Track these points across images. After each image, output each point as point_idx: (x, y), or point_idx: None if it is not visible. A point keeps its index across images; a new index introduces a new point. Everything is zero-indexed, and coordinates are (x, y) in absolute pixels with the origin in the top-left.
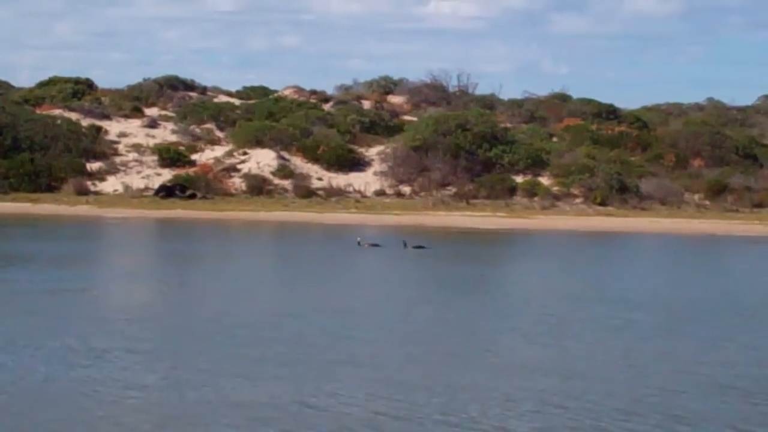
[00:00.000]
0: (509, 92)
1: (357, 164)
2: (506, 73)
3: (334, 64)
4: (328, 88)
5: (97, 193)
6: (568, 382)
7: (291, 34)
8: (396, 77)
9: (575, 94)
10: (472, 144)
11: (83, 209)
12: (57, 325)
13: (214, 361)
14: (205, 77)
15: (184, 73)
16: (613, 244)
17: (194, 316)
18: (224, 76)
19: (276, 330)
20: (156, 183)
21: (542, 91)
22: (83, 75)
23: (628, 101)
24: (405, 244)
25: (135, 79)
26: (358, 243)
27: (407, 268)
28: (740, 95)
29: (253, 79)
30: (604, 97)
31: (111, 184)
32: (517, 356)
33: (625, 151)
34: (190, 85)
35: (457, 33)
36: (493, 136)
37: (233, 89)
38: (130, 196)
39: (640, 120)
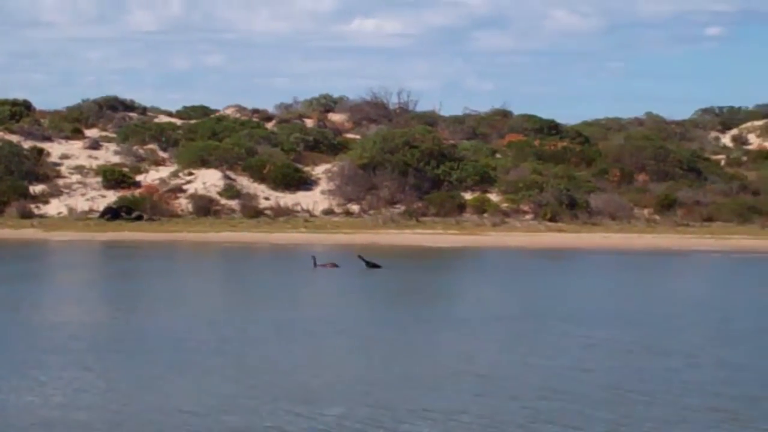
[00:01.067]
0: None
1: (304, 183)
2: (431, 90)
3: (258, 83)
4: (250, 105)
5: (41, 216)
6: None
7: (214, 53)
8: (318, 94)
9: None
10: (419, 161)
11: (29, 233)
12: None
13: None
14: (127, 97)
15: (107, 93)
16: (570, 260)
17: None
18: (147, 95)
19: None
20: (101, 205)
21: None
22: (7, 96)
23: (554, 116)
24: (367, 264)
25: (57, 99)
26: (314, 263)
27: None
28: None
29: (177, 99)
30: (528, 112)
31: (55, 207)
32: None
33: (569, 167)
34: (129, 106)
35: (381, 51)
36: (441, 153)
37: (171, 109)
38: (76, 218)
39: (581, 135)
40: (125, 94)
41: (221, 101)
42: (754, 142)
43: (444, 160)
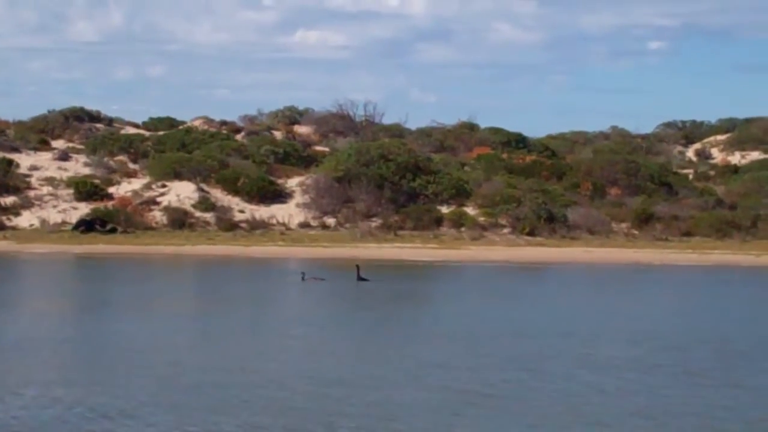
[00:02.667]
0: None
1: (278, 196)
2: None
3: (201, 94)
4: (189, 116)
5: (13, 228)
6: None
7: (156, 64)
8: (282, 106)
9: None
10: (395, 174)
11: (2, 245)
12: None
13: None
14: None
15: (50, 105)
16: (558, 275)
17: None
18: (89, 106)
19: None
20: (73, 217)
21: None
22: None
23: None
24: (358, 275)
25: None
26: (303, 278)
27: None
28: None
29: (118, 110)
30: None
31: (26, 219)
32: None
33: (541, 180)
34: (95, 117)
35: (325, 62)
36: (416, 166)
37: (137, 120)
38: (48, 230)
39: (548, 149)
40: (67, 104)
41: (163, 112)
42: (718, 156)
43: (419, 173)
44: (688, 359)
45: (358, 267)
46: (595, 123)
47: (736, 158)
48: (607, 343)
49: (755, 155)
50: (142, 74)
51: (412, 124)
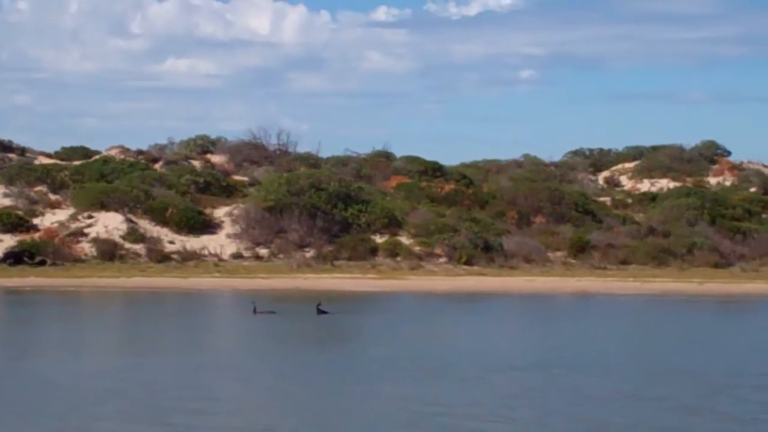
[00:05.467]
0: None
1: (208, 226)
2: (244, 131)
3: (69, 123)
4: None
5: None
6: None
7: (23, 92)
8: (195, 135)
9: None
10: (327, 203)
11: None
12: None
13: None
14: None
15: None
16: (511, 305)
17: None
18: None
19: None
20: None
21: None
22: None
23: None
24: (318, 308)
25: None
26: (254, 310)
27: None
28: (482, 152)
29: None
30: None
31: None
32: None
33: (463, 209)
34: (8, 146)
35: (194, 91)
36: (347, 195)
37: (49, 150)
38: None
39: (465, 177)
40: None
41: (31, 141)
42: (627, 183)
43: (351, 202)
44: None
45: (319, 304)
46: (469, 151)
47: (645, 186)
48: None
49: (664, 183)
50: (8, 102)
51: (322, 153)
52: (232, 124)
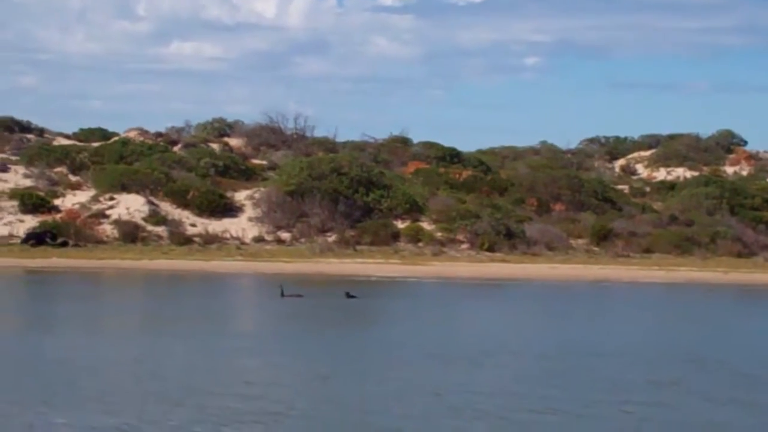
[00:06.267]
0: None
1: (229, 210)
2: (251, 114)
3: (74, 105)
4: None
5: None
6: None
7: (28, 74)
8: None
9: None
10: (348, 188)
11: None
12: None
13: None
14: None
15: None
16: (537, 291)
17: None
18: None
19: None
20: (19, 230)
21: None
22: None
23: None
24: (347, 292)
25: None
26: (282, 293)
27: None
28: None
29: None
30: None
31: None
32: None
33: (482, 195)
34: (26, 127)
35: (200, 74)
36: (369, 180)
37: (67, 131)
38: None
39: (483, 163)
40: None
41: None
42: (643, 172)
43: (372, 187)
44: None
45: (347, 292)
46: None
47: (661, 174)
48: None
49: (680, 171)
50: (13, 84)
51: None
52: (237, 108)
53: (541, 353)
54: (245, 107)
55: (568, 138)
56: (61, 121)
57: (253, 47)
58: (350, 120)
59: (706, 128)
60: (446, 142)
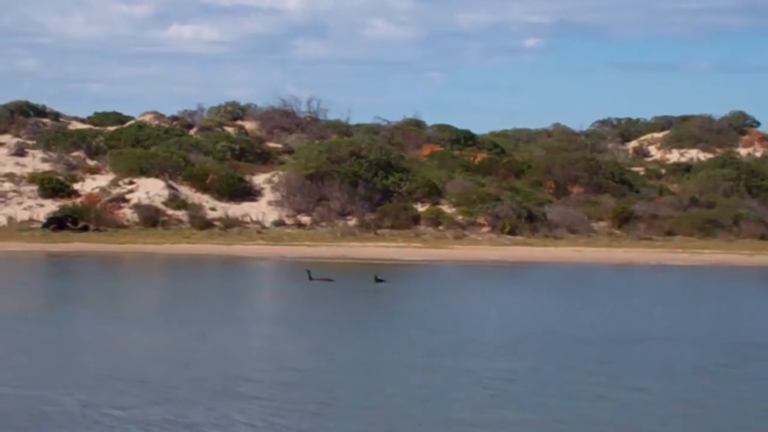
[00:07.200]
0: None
1: (248, 193)
2: (249, 97)
3: (74, 88)
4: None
5: None
6: None
7: (28, 57)
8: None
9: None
10: (367, 172)
11: None
12: None
13: None
14: None
15: None
16: (564, 275)
17: None
18: None
19: None
20: (39, 214)
21: None
22: None
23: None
24: (376, 277)
25: None
26: (309, 277)
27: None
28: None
29: None
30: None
31: None
32: None
33: (498, 178)
34: (41, 111)
35: (199, 57)
36: (388, 164)
37: (82, 115)
38: (17, 228)
39: (497, 146)
40: None
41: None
42: (656, 154)
43: (391, 170)
44: None
45: (376, 276)
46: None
47: (674, 156)
48: None
49: (693, 153)
50: (13, 67)
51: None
52: (237, 91)
53: (586, 339)
54: (246, 90)
55: (579, 120)
56: (61, 104)
57: (252, 30)
58: (349, 103)
59: (707, 108)
60: (443, 121)
